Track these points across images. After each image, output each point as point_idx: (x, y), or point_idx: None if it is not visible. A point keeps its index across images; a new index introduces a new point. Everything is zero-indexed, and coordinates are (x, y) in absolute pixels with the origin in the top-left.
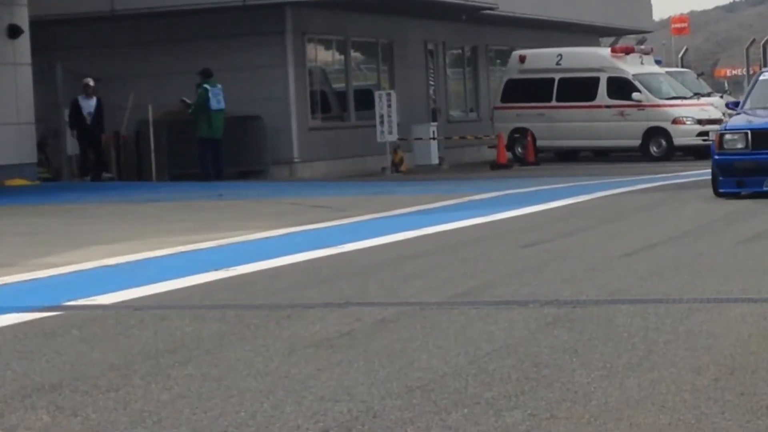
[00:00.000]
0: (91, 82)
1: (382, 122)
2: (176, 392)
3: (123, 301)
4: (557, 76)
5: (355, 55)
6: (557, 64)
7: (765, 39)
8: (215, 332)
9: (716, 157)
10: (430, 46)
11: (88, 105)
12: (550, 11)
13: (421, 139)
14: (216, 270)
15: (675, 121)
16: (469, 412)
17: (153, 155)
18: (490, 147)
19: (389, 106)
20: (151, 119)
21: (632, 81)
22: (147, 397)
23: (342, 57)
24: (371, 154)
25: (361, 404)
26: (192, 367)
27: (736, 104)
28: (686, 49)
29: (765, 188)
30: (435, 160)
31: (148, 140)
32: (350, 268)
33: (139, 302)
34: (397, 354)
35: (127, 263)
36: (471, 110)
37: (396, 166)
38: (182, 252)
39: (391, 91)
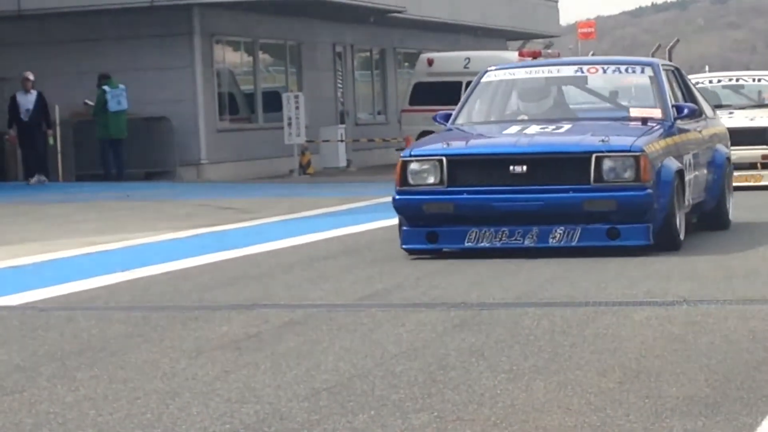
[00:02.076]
0: (31, 76)
1: (290, 124)
2: (82, 394)
3: (28, 302)
4: (465, 80)
5: (263, 57)
6: (465, 67)
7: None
8: (121, 334)
9: (397, 196)
10: (338, 49)
11: (27, 101)
12: (458, 15)
13: (329, 141)
14: (122, 271)
15: None
16: (376, 414)
17: (60, 156)
18: (397, 150)
19: (297, 108)
20: (58, 120)
21: None
22: (52, 398)
23: (250, 59)
24: (279, 156)
25: (268, 406)
26: (98, 369)
27: (447, 117)
28: (592, 54)
29: (468, 244)
30: (343, 163)
31: (56, 140)
32: (257, 270)
33: (44, 303)
34: (305, 356)
35: (32, 264)
36: (379, 113)
37: (303, 168)
38: (88, 253)
39: (300, 94)
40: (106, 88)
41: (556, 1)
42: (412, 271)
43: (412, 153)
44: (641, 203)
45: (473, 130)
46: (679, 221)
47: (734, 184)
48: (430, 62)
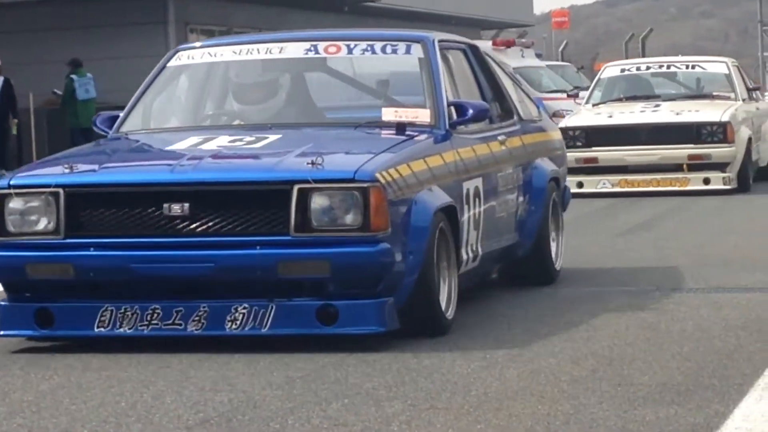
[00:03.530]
0: None
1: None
2: (56, 382)
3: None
4: None
5: None
6: None
7: (643, 34)
8: None
9: None
10: None
11: None
12: (432, 4)
13: None
14: None
15: (555, 114)
16: (350, 402)
17: (34, 144)
18: None
19: None
20: (32, 108)
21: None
22: (26, 387)
23: None
24: None
25: (242, 394)
26: (72, 358)
27: (113, 120)
28: (566, 43)
29: (99, 330)
30: None
31: (29, 129)
32: None
33: None
34: (278, 344)
35: None
36: None
37: None
38: None
39: None
40: (73, 77)
41: None
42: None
43: (12, 182)
44: (371, 265)
45: (138, 143)
46: (448, 290)
47: (658, 188)
48: None
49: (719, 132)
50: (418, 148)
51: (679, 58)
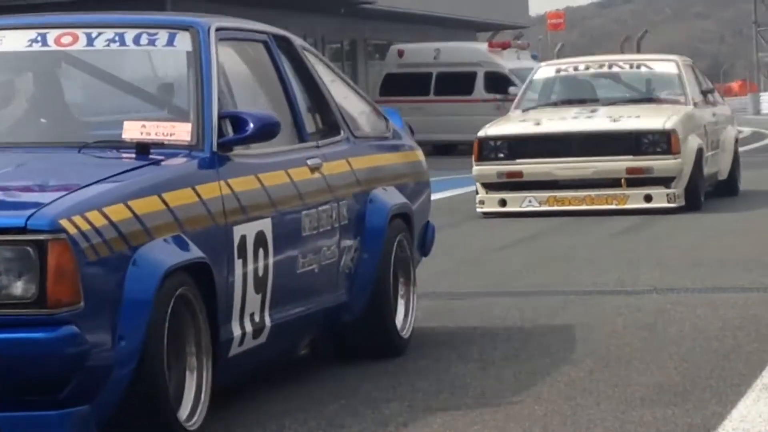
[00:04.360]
0: None
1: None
2: None
3: None
4: (435, 71)
5: None
6: (435, 58)
7: (639, 35)
8: None
9: None
10: (309, 41)
11: None
12: (428, 6)
13: None
14: None
15: None
16: (347, 403)
17: None
18: None
19: None
20: None
21: (509, 76)
22: None
23: None
24: None
25: (240, 396)
26: None
27: None
28: (562, 45)
29: None
30: None
31: None
32: None
33: None
34: None
35: None
36: None
37: None
38: None
39: None
40: None
41: None
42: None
43: None
44: (48, 359)
45: None
46: (197, 385)
47: (593, 206)
48: (401, 53)
49: (662, 141)
50: (154, 178)
51: (624, 56)
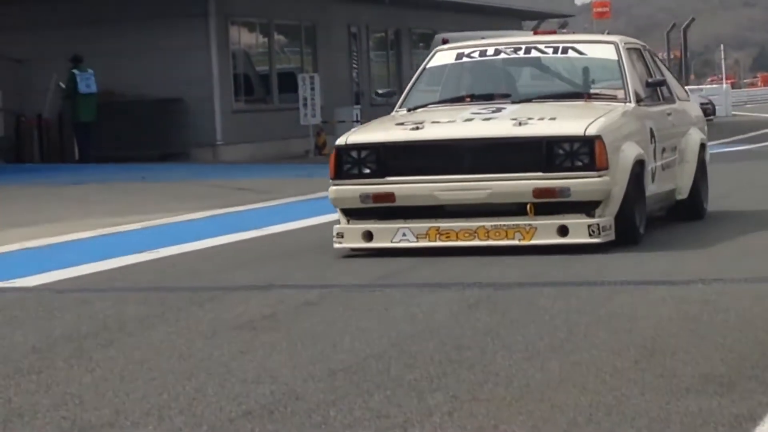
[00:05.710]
0: None
1: (305, 105)
2: (99, 375)
3: (45, 284)
4: None
5: (278, 38)
6: None
7: (685, 24)
8: (138, 315)
9: None
10: (353, 30)
11: None
12: None
13: (344, 121)
14: (139, 252)
15: None
16: (392, 394)
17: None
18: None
19: (312, 89)
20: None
21: None
22: (70, 379)
23: (265, 40)
24: (295, 136)
25: (283, 386)
26: (114, 350)
27: None
28: (608, 33)
29: None
30: None
31: (70, 122)
32: (273, 250)
33: (61, 285)
34: (320, 336)
35: (49, 245)
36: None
37: (319, 149)
38: (105, 234)
39: (315, 74)
40: (75, 71)
41: None
42: (427, 250)
43: None
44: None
45: None
46: None
47: (488, 242)
48: (445, 42)
49: (583, 153)
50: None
51: (547, 37)
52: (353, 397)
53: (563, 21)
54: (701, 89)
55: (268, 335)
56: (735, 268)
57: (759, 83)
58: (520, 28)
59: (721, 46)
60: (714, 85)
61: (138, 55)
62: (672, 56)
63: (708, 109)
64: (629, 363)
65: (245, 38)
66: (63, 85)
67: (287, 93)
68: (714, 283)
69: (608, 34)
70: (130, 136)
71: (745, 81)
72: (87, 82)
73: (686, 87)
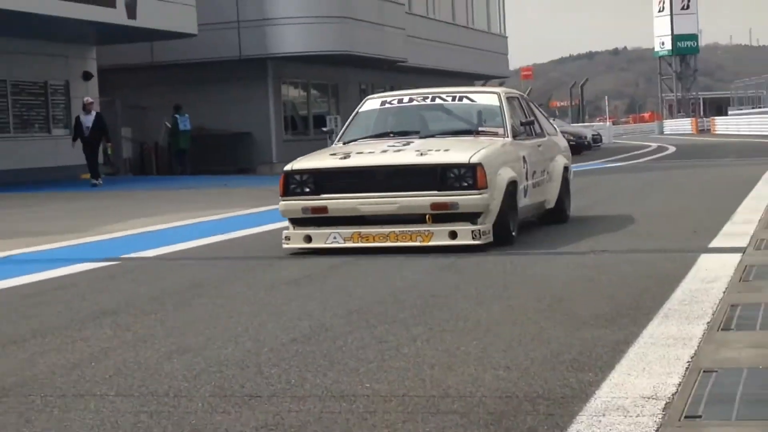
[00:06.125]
0: (89, 100)
1: (330, 137)
2: (195, 314)
3: (159, 255)
4: None
5: (313, 92)
6: None
7: (582, 82)
8: (220, 275)
9: None
10: (363, 86)
11: (87, 120)
12: (442, 63)
13: None
14: (221, 234)
15: None
16: (389, 326)
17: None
18: None
19: (336, 125)
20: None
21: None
22: (176, 318)
23: (305, 93)
24: None
25: (317, 322)
26: (205, 298)
27: None
28: (530, 89)
29: None
30: None
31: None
32: None
33: (168, 256)
34: (342, 289)
35: (162, 229)
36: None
37: None
38: (197, 222)
39: (338, 116)
40: (177, 115)
41: (506, 53)
42: (351, 250)
43: None
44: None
45: None
46: None
47: (397, 243)
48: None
49: (467, 176)
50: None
51: (449, 89)
52: (363, 329)
53: (502, 81)
54: (593, 125)
55: (307, 288)
56: (614, 244)
57: (630, 121)
58: (473, 86)
59: (606, 97)
60: (601, 123)
61: (221, 104)
62: (573, 103)
63: (597, 138)
64: (545, 306)
65: (291, 92)
66: (169, 125)
67: (319, 128)
68: (602, 254)
69: (530, 90)
70: (215, 158)
71: (621, 120)
72: (184, 123)
73: (582, 124)
